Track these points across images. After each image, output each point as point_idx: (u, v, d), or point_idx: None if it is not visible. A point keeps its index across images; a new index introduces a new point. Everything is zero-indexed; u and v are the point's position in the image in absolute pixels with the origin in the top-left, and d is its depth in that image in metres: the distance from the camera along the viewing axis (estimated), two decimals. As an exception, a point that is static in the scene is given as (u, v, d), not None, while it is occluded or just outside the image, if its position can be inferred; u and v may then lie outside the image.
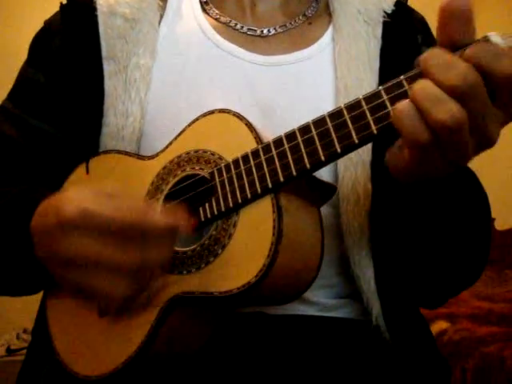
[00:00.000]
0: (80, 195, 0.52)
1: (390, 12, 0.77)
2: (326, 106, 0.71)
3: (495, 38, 0.48)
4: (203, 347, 0.62)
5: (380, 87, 0.51)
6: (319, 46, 0.77)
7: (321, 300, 0.71)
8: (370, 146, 0.69)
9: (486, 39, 0.47)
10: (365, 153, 0.69)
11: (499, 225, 2.98)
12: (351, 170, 0.68)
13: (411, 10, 0.82)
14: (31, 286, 0.69)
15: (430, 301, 0.75)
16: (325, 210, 0.62)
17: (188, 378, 0.63)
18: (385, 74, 0.73)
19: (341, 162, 0.69)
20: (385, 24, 0.76)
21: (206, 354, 0.63)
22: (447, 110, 0.44)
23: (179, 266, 0.59)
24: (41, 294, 0.74)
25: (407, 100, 0.47)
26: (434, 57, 0.45)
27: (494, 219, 2.90)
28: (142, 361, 0.58)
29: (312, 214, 0.59)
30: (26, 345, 2.21)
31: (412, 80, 0.49)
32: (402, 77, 0.50)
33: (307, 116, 0.56)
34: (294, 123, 0.56)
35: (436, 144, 0.46)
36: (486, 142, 0.48)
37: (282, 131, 0.57)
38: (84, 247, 0.51)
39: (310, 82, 0.74)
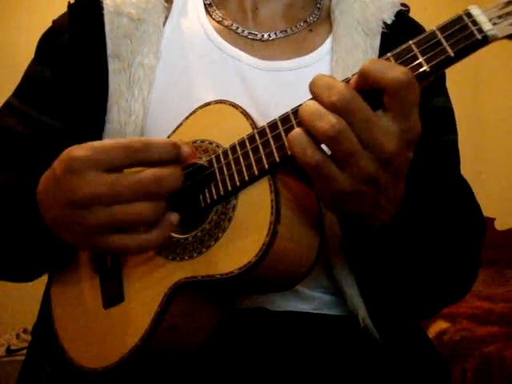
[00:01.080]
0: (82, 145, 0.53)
1: (390, 23, 0.77)
2: None
3: (475, 10, 0.49)
4: (207, 339, 0.63)
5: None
6: (318, 54, 0.77)
7: (321, 297, 0.72)
8: None
9: (461, 14, 0.50)
10: None
11: (499, 225, 2.98)
12: None
13: (413, 22, 0.82)
14: (37, 265, 0.69)
15: (416, 314, 0.75)
16: None
17: (191, 370, 0.64)
18: None
19: None
20: (384, 35, 0.76)
21: (208, 348, 0.63)
22: (327, 121, 0.49)
23: (181, 253, 0.59)
24: (41, 294, 0.74)
25: (297, 128, 0.52)
26: (317, 80, 0.51)
27: (494, 219, 2.91)
28: (147, 350, 0.58)
29: (309, 194, 0.59)
30: (26, 345, 2.20)
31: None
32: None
33: None
34: None
35: (329, 163, 0.50)
36: (383, 155, 0.50)
37: None
38: (98, 181, 0.51)
39: (307, 89, 0.75)
